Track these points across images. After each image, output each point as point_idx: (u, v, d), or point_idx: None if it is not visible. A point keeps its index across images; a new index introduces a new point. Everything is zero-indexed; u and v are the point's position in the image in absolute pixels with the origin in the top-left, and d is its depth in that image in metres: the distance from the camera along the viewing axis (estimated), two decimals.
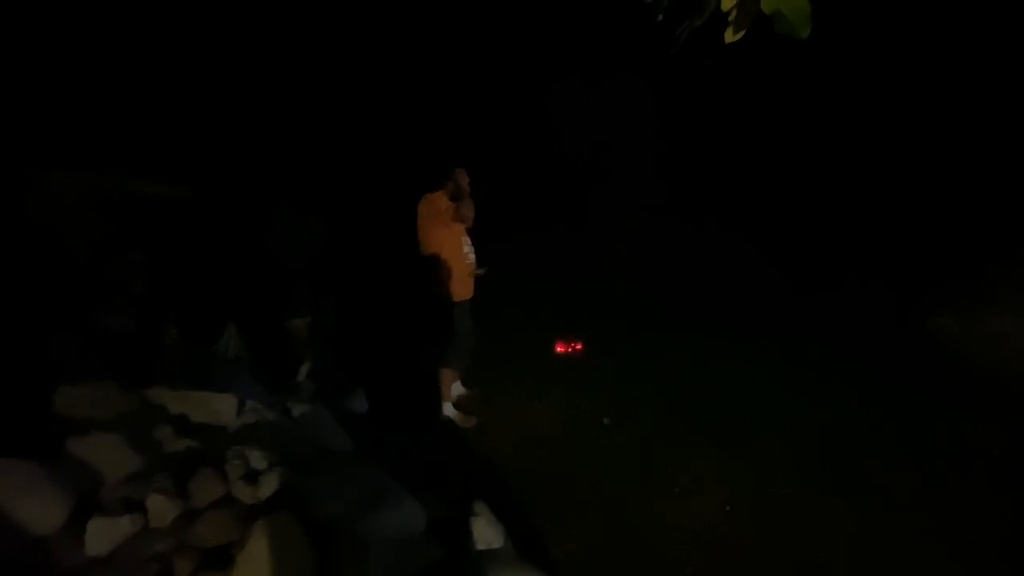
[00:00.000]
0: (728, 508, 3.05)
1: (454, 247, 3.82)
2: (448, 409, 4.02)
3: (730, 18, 1.32)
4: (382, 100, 7.66)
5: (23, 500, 1.89)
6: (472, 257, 3.93)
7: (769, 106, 7.31)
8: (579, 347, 5.19)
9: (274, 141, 6.26)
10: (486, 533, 2.28)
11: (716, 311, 6.18)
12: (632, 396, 4.36)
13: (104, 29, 4.87)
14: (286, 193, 6.08)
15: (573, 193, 8.02)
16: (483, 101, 7.97)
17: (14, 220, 3.42)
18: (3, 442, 2.08)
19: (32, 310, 3.11)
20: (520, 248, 7.12)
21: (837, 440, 3.74)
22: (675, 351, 5.19)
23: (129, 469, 2.26)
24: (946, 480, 3.30)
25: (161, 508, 2.04)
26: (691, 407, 4.19)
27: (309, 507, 2.19)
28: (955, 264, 5.40)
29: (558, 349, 5.18)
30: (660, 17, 1.76)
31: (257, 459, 2.56)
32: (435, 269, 3.84)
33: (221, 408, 2.98)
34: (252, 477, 2.36)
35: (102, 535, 1.91)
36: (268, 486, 2.28)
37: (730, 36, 1.35)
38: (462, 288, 3.90)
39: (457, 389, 4.25)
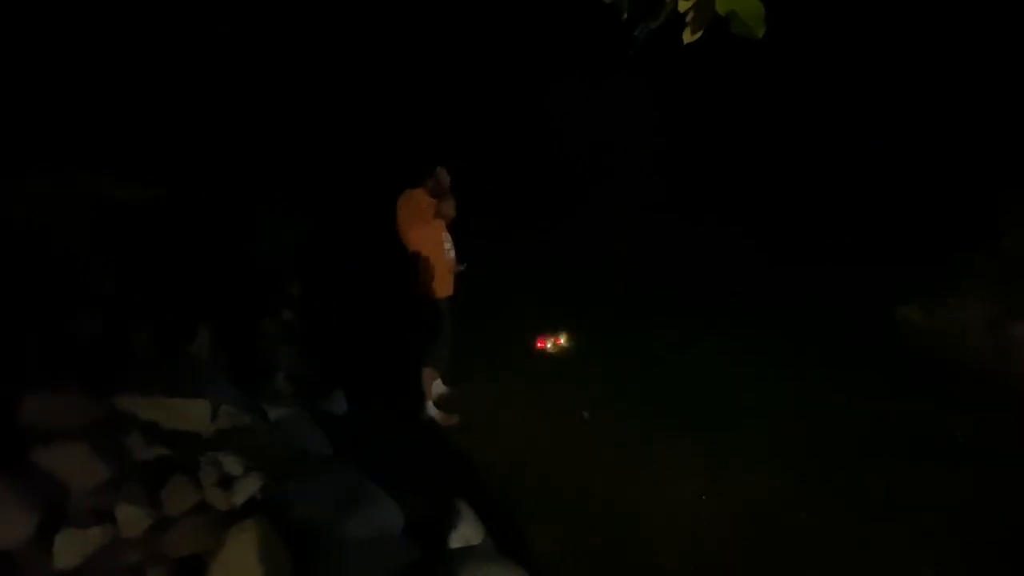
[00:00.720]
0: (704, 497, 3.10)
1: (434, 244, 3.81)
2: (430, 408, 4.02)
3: (687, 19, 1.34)
4: (374, 99, 7.59)
5: None
6: (452, 254, 3.93)
7: (755, 105, 7.42)
8: (559, 342, 5.22)
9: (251, 141, 6.16)
10: (465, 531, 2.30)
11: (690, 302, 6.26)
12: (613, 390, 4.41)
13: (80, 32, 4.75)
14: (261, 194, 6.01)
15: (570, 191, 8.05)
16: (482, 100, 7.96)
17: None
18: None
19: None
20: (517, 247, 7.13)
21: (813, 430, 3.83)
22: (655, 345, 5.25)
23: (97, 479, 2.22)
24: (914, 465, 3.41)
25: (132, 518, 2.01)
26: (668, 400, 4.25)
27: (285, 511, 2.18)
28: (918, 255, 5.54)
29: (538, 345, 5.21)
30: (624, 16, 1.78)
31: (232, 464, 2.54)
32: (415, 267, 3.83)
33: (194, 414, 2.94)
34: (227, 483, 2.34)
35: (71, 547, 1.88)
36: (243, 492, 2.26)
37: (688, 37, 1.36)
38: (442, 285, 3.89)
39: (438, 388, 4.25)
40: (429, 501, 2.58)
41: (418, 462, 3.38)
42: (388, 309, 5.11)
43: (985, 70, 5.88)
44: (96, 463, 2.23)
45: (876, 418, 4.00)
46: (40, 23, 4.69)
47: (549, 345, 5.26)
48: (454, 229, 4.04)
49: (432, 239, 3.86)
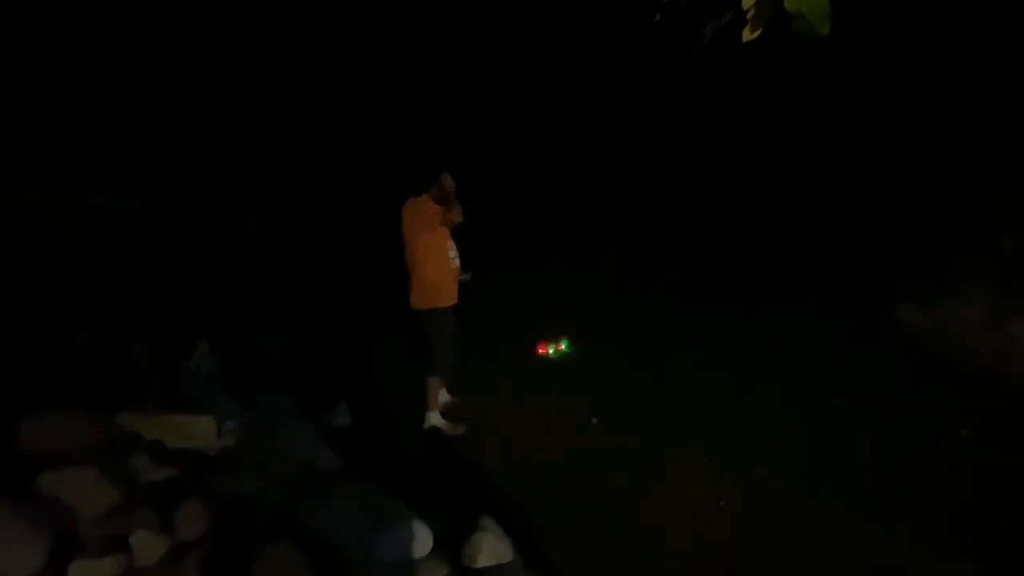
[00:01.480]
0: (722, 503, 3.06)
1: (439, 252, 3.74)
2: (435, 418, 3.93)
3: (748, 16, 1.30)
4: (374, 103, 7.49)
5: None
6: (457, 262, 3.85)
7: (754, 107, 7.47)
8: (560, 348, 5.17)
9: (249, 148, 6.03)
10: (495, 548, 2.22)
11: (695, 307, 6.27)
12: (619, 394, 4.36)
13: (74, 45, 4.62)
14: (258, 201, 5.88)
15: (569, 192, 8.02)
16: (482, 101, 7.91)
17: None
18: None
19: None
20: (517, 248, 7.07)
21: (821, 433, 3.82)
22: (658, 347, 5.23)
23: (107, 504, 2.10)
24: (927, 470, 3.40)
25: (147, 545, 1.90)
26: (674, 404, 4.22)
27: (307, 532, 2.08)
28: (918, 254, 5.60)
29: (541, 350, 5.15)
30: (657, 17, 1.75)
31: (245, 483, 2.43)
32: (420, 274, 3.75)
33: (199, 431, 2.82)
34: (242, 504, 2.23)
35: None
36: (261, 513, 2.15)
37: (747, 35, 1.33)
38: (447, 293, 3.81)
39: (443, 397, 4.16)
40: (453, 518, 2.50)
41: (431, 476, 3.29)
42: (390, 318, 5.01)
43: (985, 70, 5.98)
44: (104, 487, 2.11)
45: (882, 419, 4.01)
46: (38, 36, 4.56)
47: (551, 351, 5.21)
48: (457, 235, 3.97)
49: (438, 247, 3.79)
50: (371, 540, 2.09)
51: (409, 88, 7.69)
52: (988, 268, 4.80)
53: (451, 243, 3.86)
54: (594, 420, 4.02)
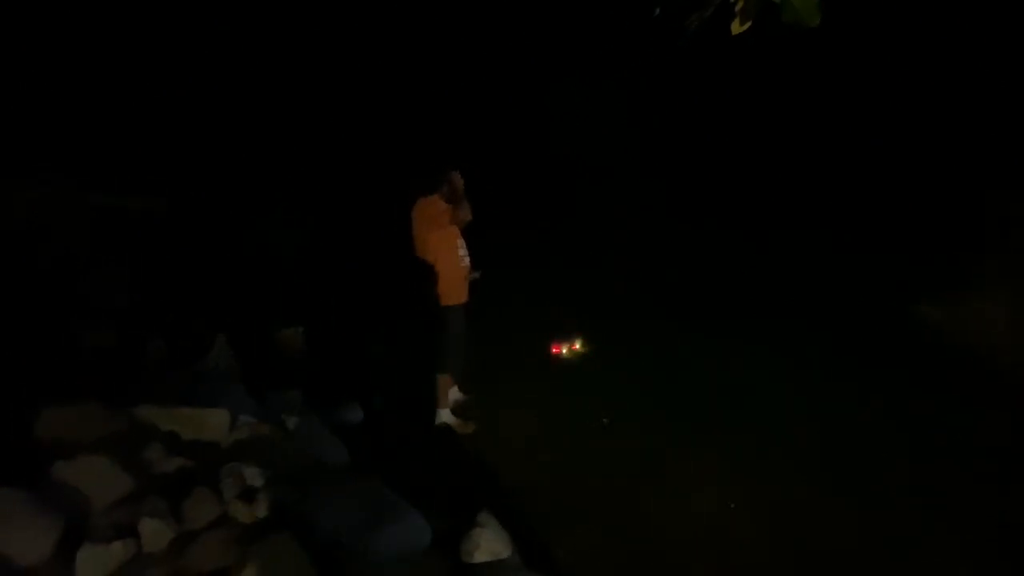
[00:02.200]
0: (732, 506, 3.02)
1: (449, 250, 3.77)
2: (445, 415, 3.96)
3: (736, 8, 1.29)
4: (378, 102, 7.59)
5: (8, 530, 1.80)
6: (467, 260, 3.88)
7: (760, 101, 7.35)
8: (575, 348, 5.15)
9: (260, 151, 6.16)
10: (493, 544, 2.22)
11: (707, 305, 6.18)
12: (630, 396, 4.33)
13: (85, 49, 4.78)
14: (266, 200, 6.00)
15: (571, 192, 8.00)
16: (483, 102, 7.94)
17: None
18: None
19: (11, 327, 3.00)
20: (518, 248, 7.07)
21: (835, 434, 3.74)
22: (671, 349, 5.17)
23: (118, 492, 2.17)
24: (942, 470, 3.32)
25: (155, 532, 1.96)
26: (687, 405, 4.17)
27: (309, 525, 2.12)
28: (937, 252, 5.46)
29: (554, 351, 5.14)
30: (657, 11, 1.73)
31: (253, 476, 2.48)
32: (430, 273, 3.78)
33: (213, 424, 2.89)
34: (249, 495, 2.28)
35: (93, 563, 1.83)
36: (266, 504, 2.20)
37: (736, 27, 1.31)
38: (457, 292, 3.84)
39: (454, 395, 4.19)
40: (454, 513, 2.51)
41: (437, 473, 3.32)
42: (402, 316, 5.06)
43: (1007, 62, 5.79)
44: (117, 476, 2.18)
45: (903, 422, 3.91)
46: (46, 38, 4.72)
47: (564, 351, 5.19)
48: (466, 235, 3.99)
49: (447, 245, 3.81)
50: (371, 534, 2.12)
51: (412, 89, 7.76)
52: (1010, 266, 4.65)
53: (461, 242, 3.88)
54: (605, 420, 4.00)
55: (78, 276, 3.65)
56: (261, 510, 2.17)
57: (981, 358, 4.47)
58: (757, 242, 7.04)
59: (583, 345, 5.19)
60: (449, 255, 3.79)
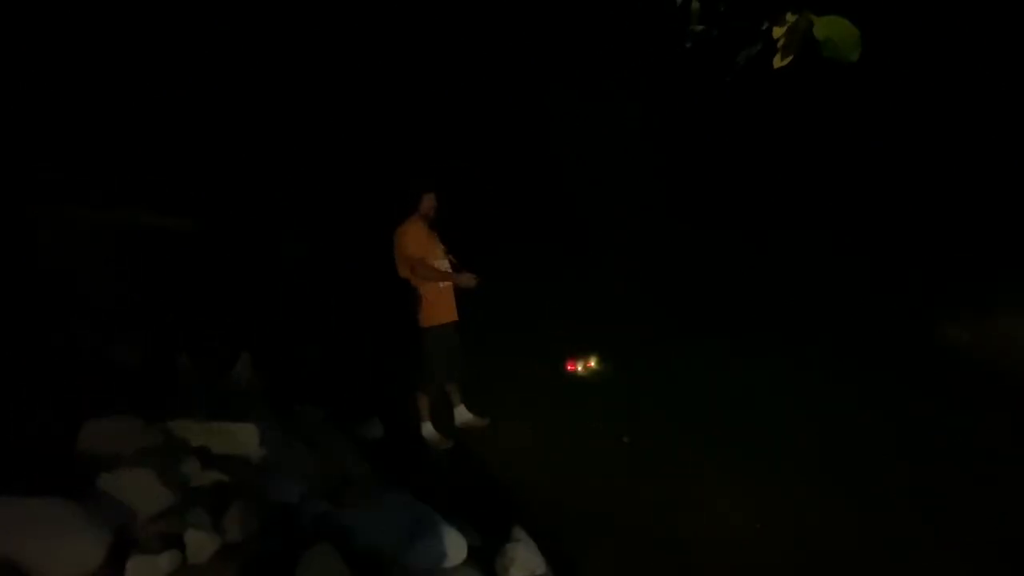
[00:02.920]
0: (757, 525, 3.04)
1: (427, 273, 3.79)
2: (427, 430, 4.00)
3: (779, 44, 1.37)
4: (383, 116, 7.71)
5: (61, 539, 1.84)
6: (449, 280, 3.86)
7: (771, 108, 7.40)
8: (590, 364, 5.19)
9: (281, 170, 6.28)
10: (528, 560, 2.25)
11: (726, 319, 6.22)
12: (648, 412, 4.36)
13: (108, 68, 4.92)
14: (286, 217, 6.10)
15: (576, 204, 8.07)
16: (491, 115, 8.05)
17: (27, 254, 3.39)
18: (36, 480, 2.03)
19: (49, 343, 3.07)
20: (526, 260, 7.14)
21: (857, 452, 3.75)
22: (686, 362, 5.21)
23: (161, 504, 2.21)
24: (945, 474, 3.35)
25: (200, 544, 1.99)
26: (708, 419, 4.20)
27: (348, 539, 2.15)
28: (962, 269, 5.49)
29: (569, 367, 5.18)
30: (688, 45, 1.82)
31: (288, 490, 2.53)
32: (406, 294, 3.84)
33: (243, 439, 2.93)
34: (286, 509, 2.32)
35: (142, 573, 1.86)
36: (304, 517, 2.24)
37: (779, 61, 1.39)
38: (437, 313, 3.84)
39: (462, 414, 4.21)
40: (486, 528, 2.55)
41: (464, 488, 3.35)
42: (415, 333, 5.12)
43: None
44: (159, 489, 2.22)
45: (921, 434, 3.93)
46: (71, 60, 4.84)
47: (580, 368, 5.23)
48: (464, 246, 4.04)
49: (427, 266, 3.80)
50: (407, 547, 2.15)
51: (423, 103, 7.88)
52: None
53: (443, 262, 3.87)
54: (625, 439, 4.02)
55: (109, 293, 3.72)
56: (300, 523, 2.20)
57: (1004, 376, 4.49)
58: (767, 248, 7.08)
59: (598, 361, 5.24)
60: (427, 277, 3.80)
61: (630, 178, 8.17)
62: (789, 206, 7.43)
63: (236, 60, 6.13)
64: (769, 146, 7.76)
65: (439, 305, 3.85)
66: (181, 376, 3.72)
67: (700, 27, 1.49)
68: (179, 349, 3.83)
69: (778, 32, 1.34)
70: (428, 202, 3.89)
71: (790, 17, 1.31)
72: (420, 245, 3.77)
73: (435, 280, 3.80)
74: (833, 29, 1.29)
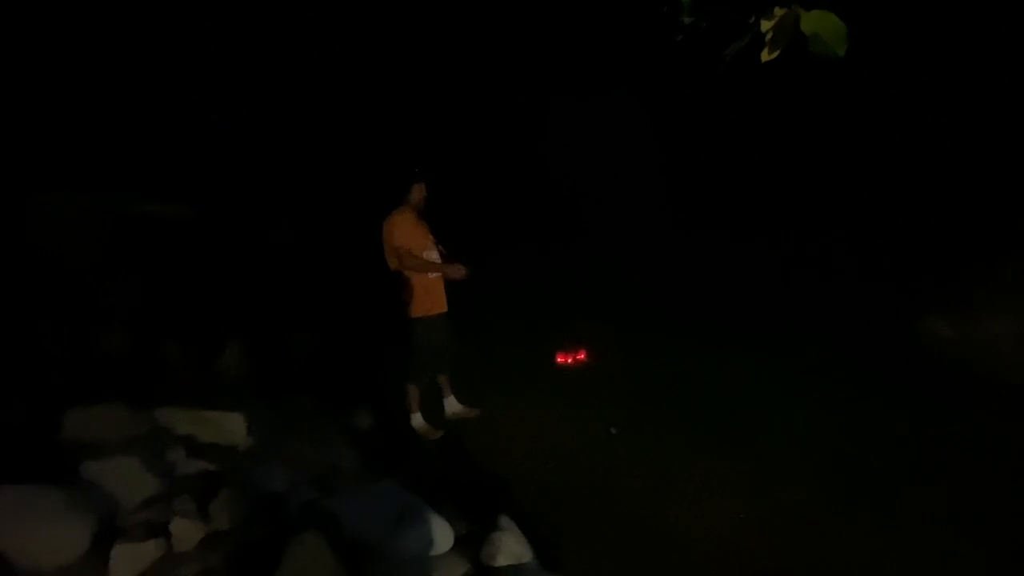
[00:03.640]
0: (742, 516, 3.08)
1: (415, 263, 3.79)
2: (416, 420, 4.02)
3: (767, 39, 1.37)
4: (377, 107, 7.67)
5: (45, 527, 1.84)
6: (438, 272, 3.87)
7: (758, 103, 7.44)
8: (581, 356, 5.22)
9: (272, 159, 6.24)
10: (514, 548, 2.28)
11: (714, 316, 6.27)
12: (636, 404, 4.39)
13: (102, 58, 4.86)
14: (281, 209, 6.07)
15: (578, 206, 8.09)
16: (490, 118, 8.03)
17: (13, 241, 3.35)
18: (20, 467, 2.02)
19: (36, 330, 3.04)
20: (518, 259, 7.15)
21: (845, 446, 3.79)
22: (675, 357, 5.25)
23: (146, 492, 2.21)
24: (954, 481, 3.38)
25: (186, 532, 2.00)
26: (695, 411, 4.24)
27: (336, 526, 2.16)
28: (946, 267, 5.55)
29: (559, 359, 5.20)
30: (680, 38, 1.83)
31: (275, 479, 2.53)
32: (401, 284, 3.83)
33: (231, 427, 2.94)
34: (273, 497, 2.33)
35: (127, 561, 1.86)
36: (291, 506, 2.24)
37: (766, 56, 1.40)
38: (425, 304, 3.84)
39: (452, 405, 4.23)
40: (470, 517, 2.56)
41: (451, 478, 3.36)
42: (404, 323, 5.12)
43: (1009, 77, 5.90)
44: (145, 476, 2.22)
45: (907, 433, 3.98)
46: (66, 51, 4.79)
47: (570, 360, 5.25)
48: (455, 240, 4.05)
49: (414, 257, 3.80)
50: (394, 535, 2.17)
51: (416, 96, 7.85)
52: (1018, 281, 4.74)
53: (431, 252, 3.86)
54: (613, 430, 4.05)
55: (96, 280, 3.69)
56: (288, 511, 2.21)
57: (989, 374, 4.54)
58: (773, 253, 7.12)
59: (588, 354, 5.27)
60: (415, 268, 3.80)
61: (623, 174, 8.19)
62: (778, 203, 7.49)
63: (228, 50, 6.07)
64: (757, 142, 7.79)
65: (429, 296, 3.86)
66: (168, 364, 3.70)
67: (690, 19, 1.49)
68: (166, 337, 3.80)
69: (766, 26, 1.35)
70: (418, 193, 3.89)
71: (778, 11, 1.31)
72: (409, 236, 3.77)
73: (424, 271, 3.80)
74: (820, 24, 1.30)
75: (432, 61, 7.92)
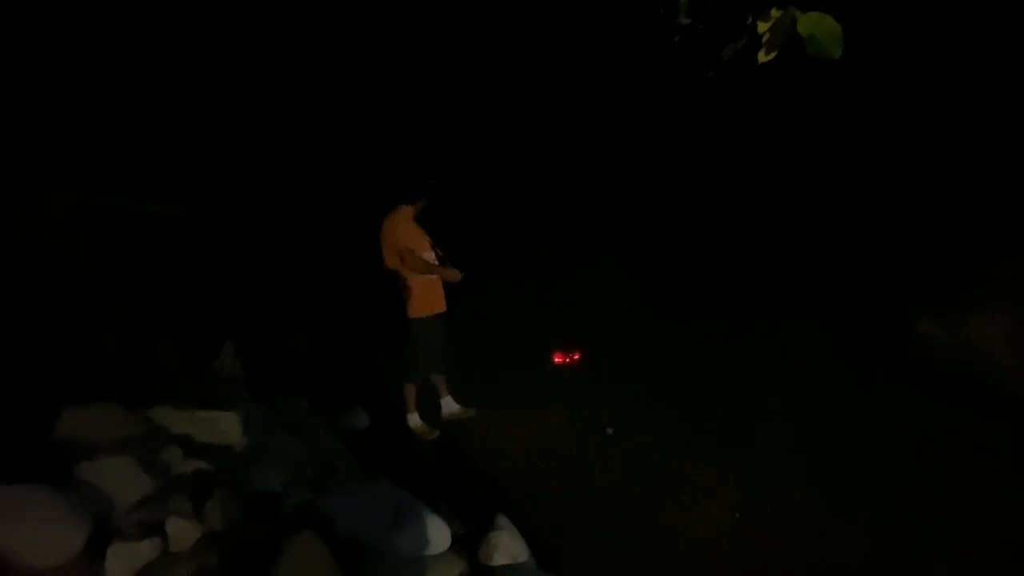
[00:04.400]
0: (738, 515, 3.09)
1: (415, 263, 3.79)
2: (414, 421, 4.02)
3: (764, 40, 1.38)
4: (379, 117, 7.67)
5: (40, 527, 1.83)
6: (434, 259, 3.87)
7: (760, 110, 7.47)
8: (577, 357, 5.22)
9: (270, 159, 6.22)
10: (511, 547, 2.28)
11: (712, 316, 6.28)
12: (633, 404, 4.40)
13: (101, 57, 4.85)
14: (277, 208, 6.05)
15: (569, 203, 8.09)
16: (490, 116, 8.03)
17: (8, 240, 3.33)
18: (13, 467, 2.01)
19: (29, 330, 3.02)
20: (516, 259, 7.15)
21: (842, 445, 3.81)
22: (673, 358, 5.26)
23: (141, 492, 2.20)
24: (949, 480, 3.40)
25: (181, 532, 1.99)
26: (692, 412, 4.25)
27: (330, 525, 2.16)
28: (942, 267, 5.58)
29: (555, 360, 5.20)
30: (677, 39, 1.83)
31: (271, 478, 2.53)
32: (399, 284, 3.83)
33: (226, 427, 2.92)
34: (269, 497, 2.32)
35: (122, 561, 1.86)
36: (287, 505, 2.24)
37: (763, 57, 1.40)
38: (424, 304, 3.85)
39: (449, 405, 4.23)
40: (467, 516, 2.57)
41: (447, 478, 3.36)
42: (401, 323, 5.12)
43: (1002, 79, 5.94)
44: (140, 476, 2.21)
45: (901, 433, 4.01)
46: (62, 51, 4.77)
47: (566, 360, 5.25)
48: (454, 242, 4.04)
49: (413, 257, 3.80)
50: (391, 535, 2.16)
51: (422, 104, 7.86)
52: (1007, 282, 4.76)
53: (429, 253, 3.87)
54: (609, 430, 4.06)
55: (91, 279, 3.67)
56: (283, 511, 2.20)
57: (980, 376, 4.56)
58: (768, 254, 7.14)
59: (585, 354, 5.27)
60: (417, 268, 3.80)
61: (622, 174, 8.20)
62: (775, 204, 7.51)
63: (226, 49, 6.05)
64: (755, 143, 7.82)
65: (427, 296, 3.86)
66: (163, 364, 3.69)
67: (687, 20, 1.50)
68: (162, 336, 3.78)
69: (763, 27, 1.35)
70: (424, 198, 3.87)
71: (775, 13, 1.32)
72: (411, 236, 3.78)
73: (424, 272, 3.80)
74: (817, 25, 1.31)
75: (431, 61, 7.92)
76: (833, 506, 3.14)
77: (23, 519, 1.83)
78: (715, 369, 5.05)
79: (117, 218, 4.07)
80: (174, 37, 5.67)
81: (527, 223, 7.89)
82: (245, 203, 5.57)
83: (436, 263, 3.87)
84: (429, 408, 4.16)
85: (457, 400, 4.24)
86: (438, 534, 2.22)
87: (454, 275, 3.85)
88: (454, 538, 2.29)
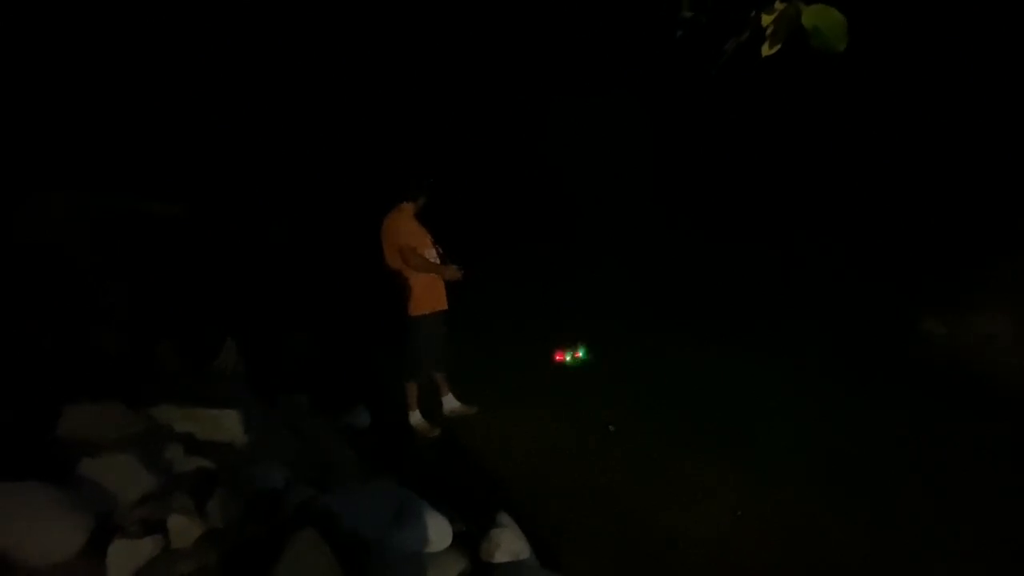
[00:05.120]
0: (739, 513, 3.08)
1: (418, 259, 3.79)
2: (415, 419, 4.02)
3: (767, 33, 1.38)
4: (378, 117, 7.67)
5: (41, 524, 1.82)
6: (435, 259, 3.87)
7: (761, 109, 7.47)
8: (578, 355, 5.22)
9: (270, 159, 6.22)
10: (513, 544, 2.27)
11: (710, 317, 6.29)
12: (633, 404, 4.40)
13: (101, 58, 4.85)
14: (277, 207, 6.05)
15: (569, 203, 8.09)
16: (491, 117, 8.04)
17: (9, 240, 3.33)
18: (15, 465, 2.01)
19: (31, 328, 3.02)
20: (516, 258, 7.15)
21: (842, 445, 3.81)
22: (673, 357, 5.26)
23: (143, 490, 2.19)
24: (949, 480, 3.40)
25: (183, 529, 1.98)
26: (690, 413, 4.24)
27: (333, 523, 2.15)
28: (943, 267, 5.58)
29: (557, 358, 5.20)
30: (680, 34, 1.83)
31: (272, 476, 2.52)
32: (395, 282, 3.83)
33: (228, 425, 2.92)
34: (271, 494, 2.32)
35: (124, 558, 1.85)
36: (289, 503, 2.23)
37: (766, 50, 1.40)
38: (425, 301, 3.85)
39: (450, 403, 4.23)
40: (471, 514, 2.56)
41: (449, 476, 3.36)
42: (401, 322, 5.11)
43: (1007, 79, 5.94)
44: (142, 474, 2.20)
45: (902, 433, 4.01)
46: (63, 52, 4.78)
47: (568, 358, 5.25)
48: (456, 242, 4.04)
49: (415, 254, 3.80)
50: (393, 533, 2.16)
51: (422, 103, 7.86)
52: (1012, 280, 4.77)
53: (431, 251, 3.87)
54: (611, 428, 4.06)
55: (93, 278, 3.67)
56: (285, 508, 2.20)
57: (985, 374, 4.56)
58: (771, 254, 7.15)
59: (587, 352, 5.27)
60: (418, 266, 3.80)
61: (622, 174, 8.20)
62: (776, 203, 7.52)
63: (226, 50, 6.06)
64: (756, 142, 7.83)
65: (429, 294, 3.86)
66: (165, 362, 3.68)
67: (689, 14, 1.50)
68: (164, 335, 3.78)
69: (767, 20, 1.35)
70: (424, 197, 3.88)
71: (779, 5, 1.32)
72: (412, 234, 3.78)
73: (425, 270, 3.80)
74: (821, 18, 1.30)
75: (431, 61, 7.92)
76: (833, 506, 3.14)
77: (25, 517, 1.82)
78: (715, 369, 5.05)
79: (117, 218, 4.06)
80: (174, 37, 5.67)
81: (527, 223, 7.89)
82: (245, 203, 5.57)
83: (437, 261, 3.87)
84: (430, 406, 4.15)
85: (458, 397, 4.24)
86: (439, 531, 2.22)
87: (455, 273, 3.85)
88: (455, 535, 2.29)
